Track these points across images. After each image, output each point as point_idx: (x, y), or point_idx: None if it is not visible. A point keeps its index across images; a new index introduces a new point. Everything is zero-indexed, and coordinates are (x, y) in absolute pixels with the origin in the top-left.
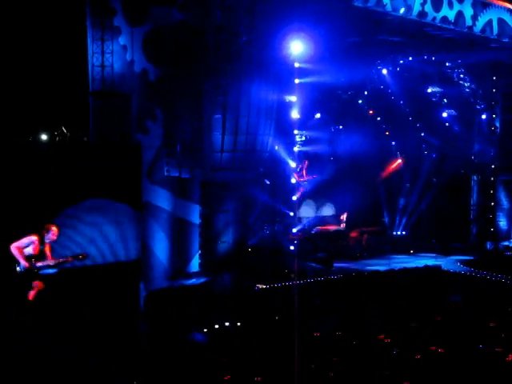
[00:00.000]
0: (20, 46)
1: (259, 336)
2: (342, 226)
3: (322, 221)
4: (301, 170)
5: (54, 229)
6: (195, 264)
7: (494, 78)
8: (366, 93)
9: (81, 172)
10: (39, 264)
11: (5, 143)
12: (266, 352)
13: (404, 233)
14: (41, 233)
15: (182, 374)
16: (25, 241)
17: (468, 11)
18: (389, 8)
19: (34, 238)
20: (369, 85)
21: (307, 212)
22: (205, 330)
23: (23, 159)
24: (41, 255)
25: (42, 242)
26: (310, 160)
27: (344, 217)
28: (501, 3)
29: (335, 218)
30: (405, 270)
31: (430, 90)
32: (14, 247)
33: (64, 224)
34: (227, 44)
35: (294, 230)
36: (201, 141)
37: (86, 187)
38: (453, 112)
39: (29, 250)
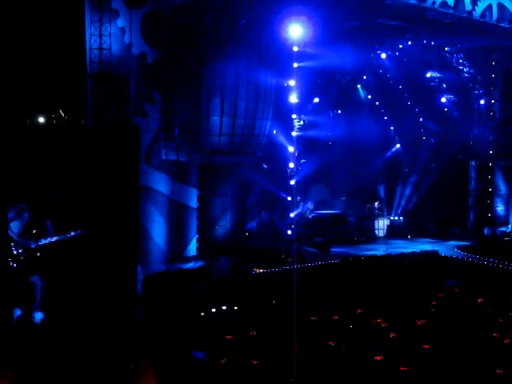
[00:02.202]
0: (17, 28)
1: (256, 320)
2: None
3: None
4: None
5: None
6: (193, 248)
7: (493, 63)
8: (364, 77)
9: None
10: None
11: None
12: (263, 336)
13: (402, 218)
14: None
15: (178, 359)
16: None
17: None
18: None
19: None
20: (368, 69)
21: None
22: (202, 314)
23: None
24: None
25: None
26: (308, 144)
27: None
28: None
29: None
30: (402, 254)
31: (428, 75)
32: None
33: None
34: (226, 27)
35: (292, 215)
36: (199, 124)
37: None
38: (451, 97)
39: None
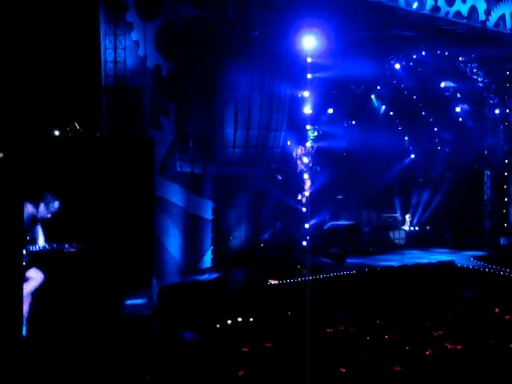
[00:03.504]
0: (32, 39)
1: (272, 331)
2: None
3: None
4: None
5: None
6: (208, 259)
7: (508, 72)
8: (378, 88)
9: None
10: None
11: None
12: (279, 348)
13: (417, 228)
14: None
15: (190, 371)
16: None
17: (481, 5)
18: (402, 2)
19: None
20: (382, 80)
21: None
22: (217, 326)
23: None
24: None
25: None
26: (323, 155)
27: None
28: None
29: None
30: (418, 265)
31: (443, 85)
32: None
33: None
34: (239, 38)
35: (307, 226)
36: (213, 136)
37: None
38: (466, 107)
39: None
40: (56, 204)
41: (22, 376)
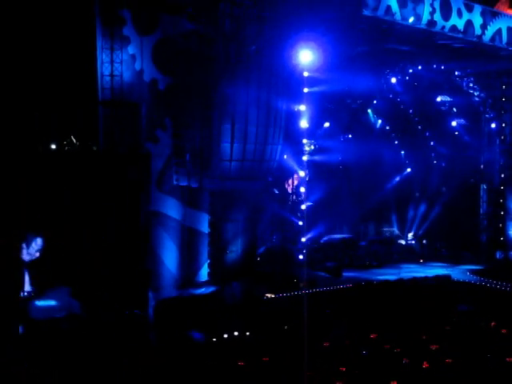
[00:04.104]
0: (29, 53)
1: (268, 345)
2: None
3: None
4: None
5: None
6: (204, 273)
7: (504, 86)
8: (375, 102)
9: (90, 180)
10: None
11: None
12: (275, 362)
13: (414, 242)
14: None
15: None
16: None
17: (477, 20)
18: (398, 17)
19: None
20: (378, 94)
21: None
22: (214, 340)
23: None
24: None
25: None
26: (319, 169)
27: None
28: (510, 12)
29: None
30: (415, 279)
31: (439, 99)
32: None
33: None
34: (236, 53)
35: (303, 239)
36: (210, 150)
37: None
38: (462, 121)
39: None
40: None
41: (23, 376)
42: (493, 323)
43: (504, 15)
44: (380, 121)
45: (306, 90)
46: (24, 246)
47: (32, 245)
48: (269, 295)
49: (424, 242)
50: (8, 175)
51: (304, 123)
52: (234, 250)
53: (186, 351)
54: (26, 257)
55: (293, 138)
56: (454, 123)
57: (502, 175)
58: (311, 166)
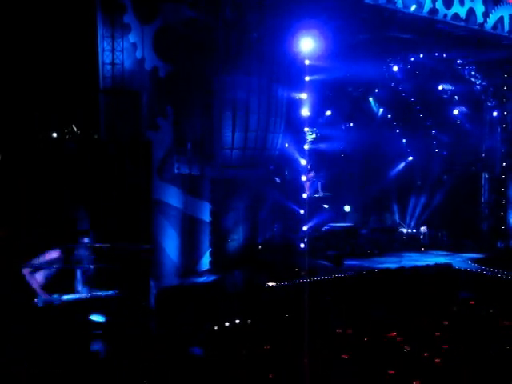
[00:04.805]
0: (30, 42)
1: (270, 333)
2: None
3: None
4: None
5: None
6: (206, 262)
7: (505, 75)
8: (376, 90)
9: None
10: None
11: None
12: (276, 349)
13: (415, 230)
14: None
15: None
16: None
17: (479, 8)
18: (400, 5)
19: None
20: (380, 82)
21: None
22: (215, 328)
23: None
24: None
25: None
26: (320, 157)
27: None
28: None
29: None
30: (416, 267)
31: (441, 88)
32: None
33: None
34: (237, 41)
35: (305, 228)
36: (211, 138)
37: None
38: (464, 109)
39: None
40: None
41: (23, 376)
42: (494, 311)
43: (506, 3)
44: (381, 109)
45: (307, 78)
46: None
47: None
48: (270, 284)
49: (425, 230)
50: (9, 166)
51: (305, 111)
52: (236, 239)
53: (185, 341)
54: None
55: (294, 127)
56: (455, 112)
57: (504, 164)
58: (312, 155)
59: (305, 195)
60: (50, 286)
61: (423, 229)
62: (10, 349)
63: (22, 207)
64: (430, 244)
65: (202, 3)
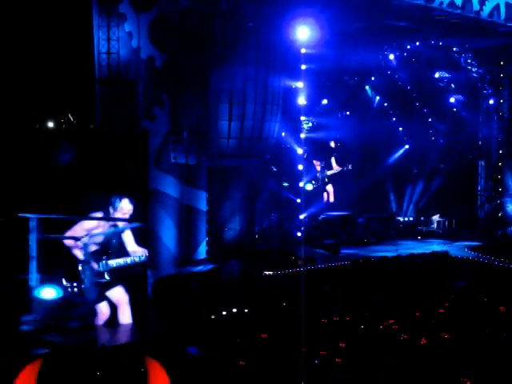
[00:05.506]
0: (25, 31)
1: (267, 322)
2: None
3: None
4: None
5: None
6: (202, 251)
7: (502, 63)
8: (373, 78)
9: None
10: None
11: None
12: (274, 338)
13: (412, 218)
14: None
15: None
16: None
17: None
18: None
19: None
20: (376, 70)
21: None
22: (212, 317)
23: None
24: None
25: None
26: (317, 146)
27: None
28: None
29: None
30: (412, 255)
31: (437, 75)
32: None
33: None
34: (234, 30)
35: (301, 217)
36: (208, 127)
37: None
38: (460, 97)
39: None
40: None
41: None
42: (491, 299)
43: None
44: (378, 97)
45: (303, 66)
46: None
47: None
48: (267, 272)
49: (422, 218)
50: (6, 154)
51: (302, 100)
52: (232, 228)
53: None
54: None
55: (290, 116)
56: (452, 99)
57: (500, 151)
58: (309, 143)
59: (301, 184)
60: None
61: (420, 217)
62: None
63: (22, 196)
64: (427, 232)
65: None
